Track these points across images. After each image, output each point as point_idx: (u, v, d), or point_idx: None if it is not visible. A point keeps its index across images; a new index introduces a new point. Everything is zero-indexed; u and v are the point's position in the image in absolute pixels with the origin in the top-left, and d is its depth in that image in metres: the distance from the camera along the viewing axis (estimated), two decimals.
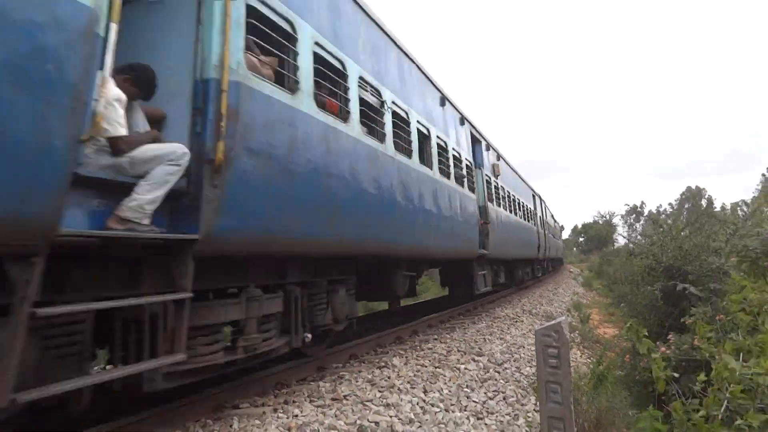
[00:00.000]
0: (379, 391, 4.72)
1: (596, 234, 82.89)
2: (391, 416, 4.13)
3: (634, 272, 12.28)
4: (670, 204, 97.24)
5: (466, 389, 5.17)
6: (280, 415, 4.03)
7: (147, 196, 3.00)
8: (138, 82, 3.33)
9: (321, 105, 4.86)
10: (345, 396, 4.52)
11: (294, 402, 4.36)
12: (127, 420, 3.62)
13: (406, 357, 6.27)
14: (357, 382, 5.02)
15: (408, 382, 5.08)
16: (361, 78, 5.77)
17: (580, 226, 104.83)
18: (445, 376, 5.51)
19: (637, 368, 6.84)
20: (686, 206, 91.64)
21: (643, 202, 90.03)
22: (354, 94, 5.53)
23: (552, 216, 34.08)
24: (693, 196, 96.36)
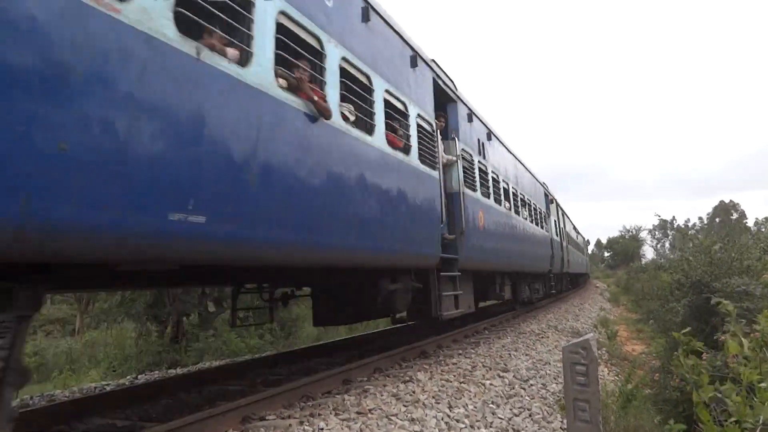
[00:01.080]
0: (404, 406, 4.72)
1: (622, 249, 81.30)
2: (416, 431, 4.13)
3: (662, 287, 12.03)
4: (700, 218, 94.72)
5: (491, 405, 5.13)
6: (306, 427, 4.06)
7: None
8: None
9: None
10: (370, 410, 4.53)
11: (319, 415, 4.39)
12: (155, 429, 3.69)
13: (431, 372, 6.25)
14: (382, 396, 5.03)
15: (433, 397, 5.06)
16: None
17: (605, 240, 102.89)
18: (470, 391, 5.48)
19: (668, 386, 6.69)
20: (717, 220, 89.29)
21: (674, 217, 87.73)
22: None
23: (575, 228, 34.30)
24: (725, 210, 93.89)
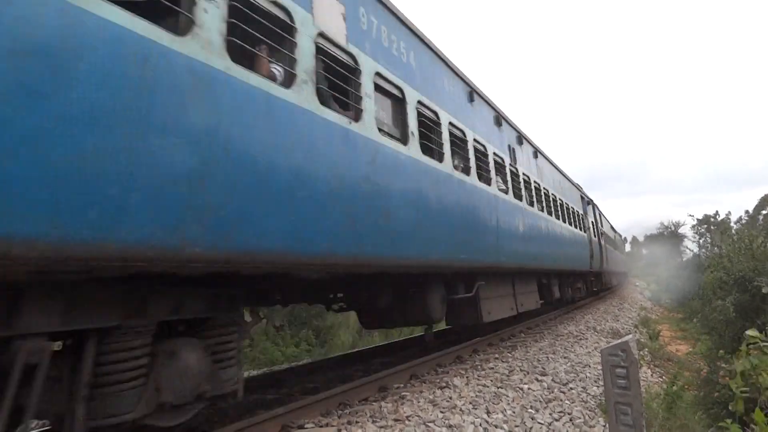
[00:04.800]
0: (441, 412, 4.70)
1: (660, 246, 78.72)
2: None
3: (704, 285, 11.65)
4: (747, 212, 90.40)
5: (530, 410, 5.06)
6: None
7: None
8: None
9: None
10: (407, 417, 4.53)
11: (357, 422, 4.41)
12: None
13: (467, 377, 6.20)
14: (418, 402, 5.02)
15: (470, 403, 5.02)
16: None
17: (642, 238, 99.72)
18: (507, 396, 5.41)
19: (716, 387, 6.46)
20: (764, 212, 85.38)
21: (716, 212, 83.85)
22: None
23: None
24: None
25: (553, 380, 6.32)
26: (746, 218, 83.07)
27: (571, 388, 6.08)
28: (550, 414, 5.01)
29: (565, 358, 7.84)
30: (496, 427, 4.45)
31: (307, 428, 4.33)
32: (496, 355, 7.81)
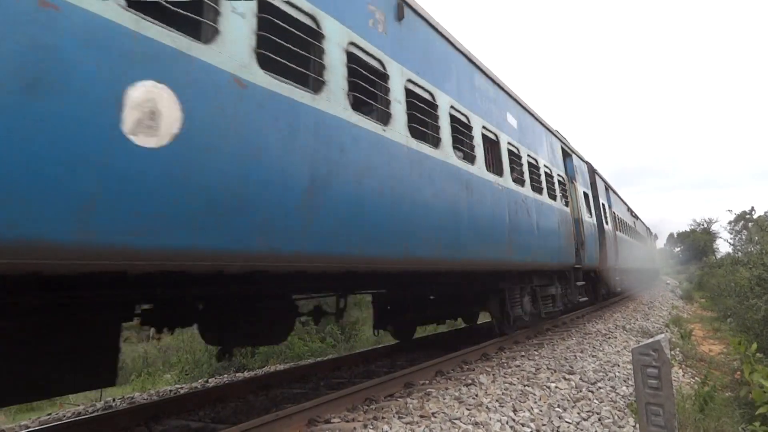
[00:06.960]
0: (467, 409, 4.68)
1: (693, 243, 76.66)
2: None
3: (740, 283, 11.33)
4: None
5: (557, 409, 5.00)
6: (370, 430, 4.11)
7: None
8: None
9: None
10: (433, 413, 4.52)
11: (383, 418, 4.43)
12: (227, 431, 3.84)
13: (494, 374, 6.16)
14: (444, 399, 5.01)
15: (496, 401, 4.99)
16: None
17: (675, 234, 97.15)
18: (534, 394, 5.36)
19: (750, 388, 6.27)
20: None
21: (753, 208, 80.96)
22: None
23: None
24: None
25: (581, 379, 6.23)
26: None
27: (600, 388, 5.98)
28: (578, 413, 4.94)
29: (593, 356, 7.72)
30: (522, 425, 4.41)
31: (333, 423, 4.37)
32: (523, 353, 7.73)
